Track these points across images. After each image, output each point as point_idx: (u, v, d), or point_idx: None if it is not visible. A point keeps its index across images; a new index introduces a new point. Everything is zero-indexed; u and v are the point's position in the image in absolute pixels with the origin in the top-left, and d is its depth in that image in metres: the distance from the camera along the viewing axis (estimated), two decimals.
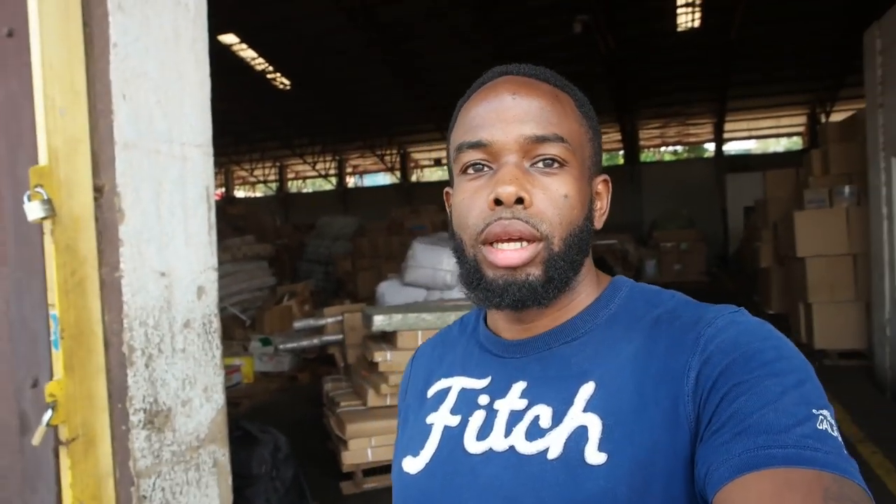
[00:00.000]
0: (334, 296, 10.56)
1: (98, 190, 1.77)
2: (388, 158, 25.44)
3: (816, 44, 17.10)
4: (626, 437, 0.63)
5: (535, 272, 0.68)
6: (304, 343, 5.71)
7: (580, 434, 0.65)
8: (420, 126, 22.38)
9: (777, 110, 22.96)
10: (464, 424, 0.73)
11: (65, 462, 1.64)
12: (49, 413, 1.58)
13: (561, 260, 0.69)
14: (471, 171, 0.71)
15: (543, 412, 0.68)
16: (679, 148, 26.77)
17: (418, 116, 21.00)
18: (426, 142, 24.85)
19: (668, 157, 26.60)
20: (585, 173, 0.73)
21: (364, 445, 3.85)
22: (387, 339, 4.25)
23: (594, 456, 0.63)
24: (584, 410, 0.66)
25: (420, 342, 4.10)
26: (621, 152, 25.64)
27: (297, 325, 5.75)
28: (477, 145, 0.70)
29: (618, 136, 24.83)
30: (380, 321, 4.08)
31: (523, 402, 0.70)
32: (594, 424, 0.65)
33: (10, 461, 1.77)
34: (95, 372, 1.71)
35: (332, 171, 26.98)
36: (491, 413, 0.72)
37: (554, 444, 0.65)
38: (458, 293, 6.37)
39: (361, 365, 4.45)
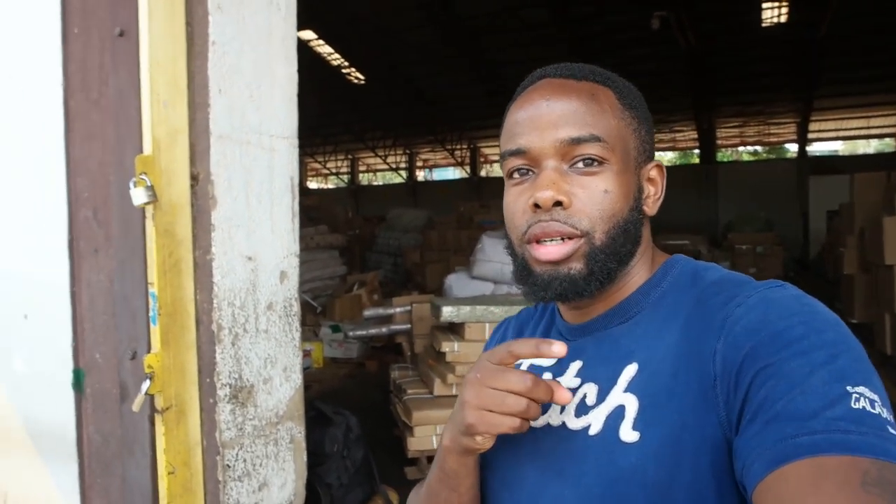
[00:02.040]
0: (402, 287, 10.73)
1: (194, 178, 1.90)
2: (458, 153, 25.57)
3: None
4: (658, 417, 0.65)
5: (577, 266, 0.71)
6: (373, 331, 5.86)
7: (618, 413, 0.68)
8: (491, 121, 22.37)
9: (867, 110, 21.75)
10: None
11: (159, 429, 1.78)
12: (147, 383, 1.72)
13: (603, 253, 0.71)
14: (516, 175, 0.76)
15: (590, 390, 0.73)
16: (759, 148, 25.76)
17: (489, 112, 21.00)
18: (496, 137, 24.56)
19: (746, 157, 25.64)
20: (630, 164, 0.74)
21: (429, 433, 3.93)
22: (454, 330, 4.32)
23: (628, 434, 0.66)
24: (626, 390, 0.69)
25: (487, 335, 4.16)
26: (697, 151, 24.91)
27: (367, 313, 5.90)
28: (517, 153, 0.74)
29: (694, 135, 24.13)
30: (448, 312, 4.15)
31: (577, 381, 0.75)
32: (631, 404, 0.68)
33: (110, 427, 1.93)
34: (188, 347, 1.84)
35: (402, 165, 27.35)
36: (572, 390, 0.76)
37: (595, 421, 0.70)
38: None
39: (428, 354, 4.53)
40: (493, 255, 6.42)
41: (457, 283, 6.73)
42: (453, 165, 26.90)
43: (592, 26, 15.14)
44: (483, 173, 26.96)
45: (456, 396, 3.41)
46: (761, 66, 18.23)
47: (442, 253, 10.70)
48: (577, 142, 0.71)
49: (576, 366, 0.76)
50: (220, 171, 1.93)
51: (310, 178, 30.72)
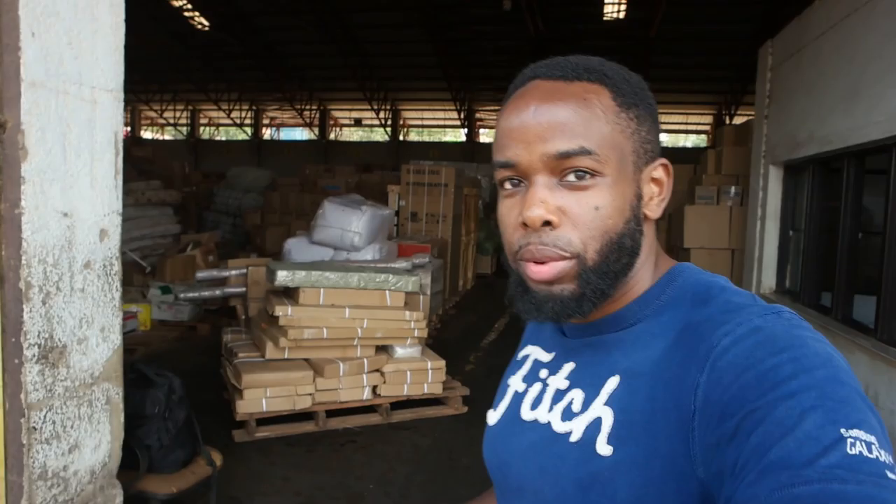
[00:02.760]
0: (241, 249, 10.41)
1: (1, 126, 1.78)
2: (306, 114, 24.91)
3: (728, 49, 18.05)
4: (631, 437, 0.64)
5: (569, 287, 0.68)
6: (206, 294, 5.69)
7: (596, 424, 0.67)
8: (343, 84, 22.04)
9: (688, 107, 24.11)
10: (524, 393, 0.81)
11: None
12: None
13: (594, 273, 0.68)
14: (507, 185, 0.72)
15: (577, 396, 0.72)
16: None
17: (342, 74, 20.67)
18: (348, 100, 24.52)
19: None
20: (627, 171, 0.69)
21: (259, 395, 3.95)
22: (289, 294, 4.35)
23: (603, 447, 0.66)
24: (605, 403, 0.68)
25: (322, 300, 4.23)
26: None
27: (200, 275, 5.71)
28: (506, 165, 0.70)
29: None
30: (283, 276, 4.16)
31: (566, 383, 0.75)
32: (608, 418, 0.67)
33: None
34: None
35: (247, 121, 26.15)
36: (544, 387, 0.78)
37: (577, 428, 0.69)
38: (364, 255, 6.50)
39: (262, 318, 4.52)
40: (333, 221, 6.44)
41: (296, 247, 6.69)
42: (301, 126, 26.20)
43: None
44: (332, 136, 26.54)
45: (288, 360, 3.49)
46: (602, 56, 19.45)
47: (284, 216, 10.50)
48: (565, 156, 0.66)
49: (569, 367, 0.76)
50: (31, 120, 1.82)
51: (143, 128, 28.48)
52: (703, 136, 25.81)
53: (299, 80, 22.10)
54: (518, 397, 0.81)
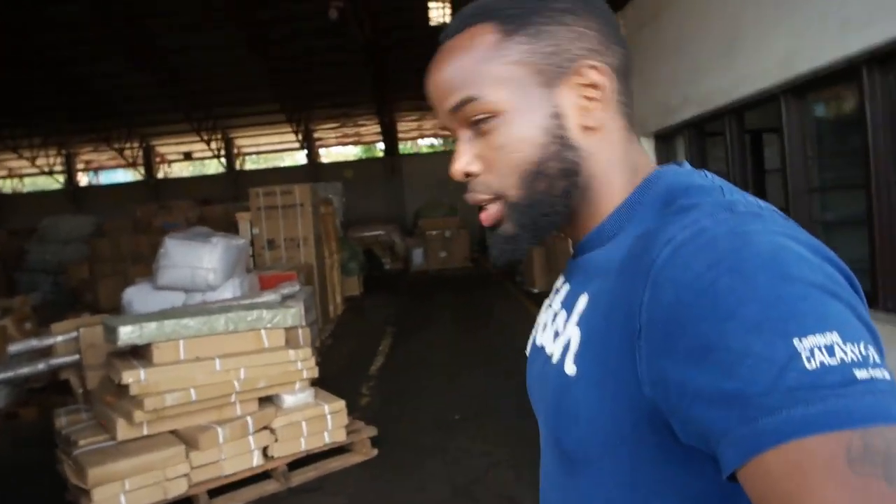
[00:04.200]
0: (70, 309, 8.91)
1: None
2: (128, 153, 22.68)
3: None
4: (590, 356, 0.64)
5: (507, 226, 0.70)
6: (26, 370, 4.56)
7: (567, 345, 0.68)
8: (166, 116, 20.28)
9: None
10: (541, 320, 0.81)
11: None
12: None
13: (522, 207, 0.69)
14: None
15: (561, 319, 0.72)
16: (435, 141, 27.78)
17: (163, 105, 18.99)
18: (174, 133, 22.65)
19: (425, 150, 27.44)
20: (528, 98, 0.67)
21: (116, 491, 3.05)
22: (139, 354, 3.47)
23: (570, 367, 0.66)
24: (576, 323, 0.68)
25: (183, 354, 3.40)
26: (381, 145, 25.89)
27: (14, 348, 4.56)
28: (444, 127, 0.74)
29: (377, 129, 25.01)
30: (128, 333, 3.29)
31: (559, 306, 0.74)
32: (575, 338, 0.67)
33: None
34: None
35: (58, 168, 23.36)
36: (549, 312, 0.77)
37: (556, 350, 0.70)
38: (223, 293, 5.63)
39: (106, 389, 3.59)
40: (180, 260, 5.52)
41: (139, 297, 5.66)
42: (124, 167, 23.84)
43: (269, 13, 14.47)
44: (161, 175, 24.45)
45: (148, 438, 2.65)
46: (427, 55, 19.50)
47: (117, 264, 9.15)
48: (456, 109, 0.69)
49: (565, 289, 0.75)
50: None
51: None
52: None
53: (114, 116, 20.03)
54: (537, 325, 0.81)
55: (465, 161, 0.70)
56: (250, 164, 26.20)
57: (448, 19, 16.14)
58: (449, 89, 0.69)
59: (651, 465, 0.59)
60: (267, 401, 3.71)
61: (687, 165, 0.70)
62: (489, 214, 0.70)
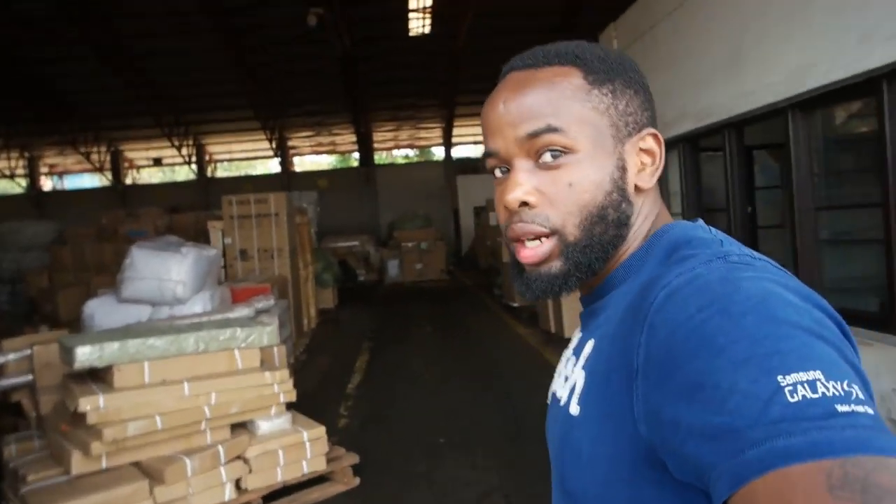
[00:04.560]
0: (27, 322, 8.45)
1: None
2: (95, 157, 22.03)
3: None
4: (592, 397, 0.66)
5: (556, 264, 0.70)
6: None
7: (573, 388, 0.70)
8: (135, 121, 19.76)
9: None
10: (558, 369, 0.82)
11: None
12: None
13: (578, 247, 0.70)
14: (497, 173, 0.75)
15: (571, 364, 0.75)
16: (410, 152, 27.58)
17: (133, 109, 18.48)
18: (143, 138, 22.10)
19: (400, 161, 27.22)
20: (603, 147, 0.70)
21: None
22: (98, 377, 3.16)
23: (574, 408, 0.68)
24: (582, 367, 0.70)
25: (148, 377, 3.10)
26: (356, 154, 25.60)
27: None
28: (490, 155, 0.74)
29: (353, 138, 24.73)
30: (86, 354, 2.98)
31: (571, 352, 0.77)
32: (580, 381, 0.69)
33: None
34: None
35: (20, 171, 22.59)
36: (564, 361, 0.80)
37: (565, 394, 0.73)
38: (192, 307, 5.31)
39: (61, 416, 3.26)
40: (147, 271, 5.19)
41: (101, 310, 5.32)
42: (90, 171, 23.16)
43: (247, 18, 14.14)
44: (128, 180, 23.82)
45: (108, 472, 2.36)
46: (411, 73, 19.31)
47: (80, 273, 8.71)
48: (534, 136, 0.69)
49: (577, 336, 0.78)
50: None
51: None
52: None
53: (81, 119, 19.43)
54: (556, 377, 0.82)
55: (524, 190, 0.69)
56: (222, 172, 25.69)
57: (428, 30, 16.01)
58: (530, 114, 0.69)
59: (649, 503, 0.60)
60: (240, 427, 3.43)
61: (700, 222, 0.72)
62: (536, 252, 0.70)
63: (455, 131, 24.87)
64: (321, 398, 5.74)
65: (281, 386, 3.43)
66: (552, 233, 0.69)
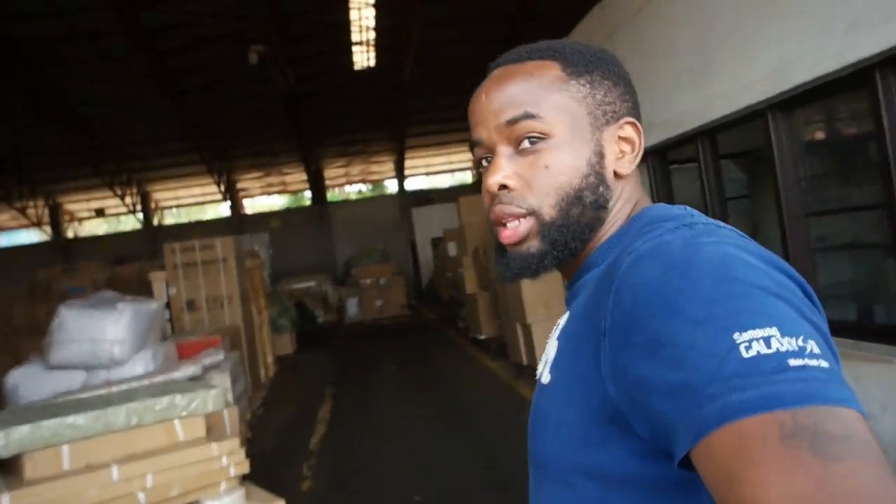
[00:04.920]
0: None
1: None
2: (32, 211, 21.02)
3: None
4: (562, 364, 0.69)
5: (534, 244, 0.73)
6: None
7: (547, 359, 0.74)
8: (74, 171, 18.96)
9: (449, 147, 24.71)
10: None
11: None
12: None
13: (555, 227, 0.72)
14: (483, 163, 0.78)
15: (552, 343, 0.76)
16: (363, 187, 27.23)
17: (71, 159, 17.71)
18: (83, 189, 21.22)
19: (353, 196, 26.84)
20: (580, 133, 0.73)
21: None
22: (6, 468, 2.66)
23: (545, 377, 0.72)
24: (557, 338, 0.74)
25: (68, 463, 2.62)
26: (308, 193, 25.12)
27: None
28: (476, 143, 0.78)
29: (303, 177, 24.27)
30: None
31: (556, 333, 0.78)
32: (553, 351, 0.73)
33: None
34: None
35: None
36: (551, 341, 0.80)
37: (542, 366, 0.76)
38: (133, 369, 4.79)
39: None
40: (78, 333, 4.66)
41: (27, 379, 4.76)
42: (27, 227, 22.07)
43: (184, 59, 13.68)
44: (70, 233, 22.80)
45: None
46: (359, 106, 19.06)
47: (9, 338, 8.02)
48: (512, 122, 0.73)
49: (562, 318, 0.79)
50: None
51: None
52: (466, 174, 26.61)
53: (15, 172, 18.52)
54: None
55: (503, 174, 0.73)
56: (170, 219, 24.86)
57: (373, 63, 15.80)
58: (510, 103, 0.73)
59: (617, 464, 0.61)
60: None
61: (688, 209, 0.72)
62: (514, 232, 0.73)
63: (407, 163, 24.65)
64: (281, 457, 5.25)
65: (231, 457, 2.98)
66: (529, 213, 0.72)
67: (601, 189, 0.73)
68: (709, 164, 3.84)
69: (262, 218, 23.69)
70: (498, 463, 4.42)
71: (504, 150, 0.74)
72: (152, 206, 23.53)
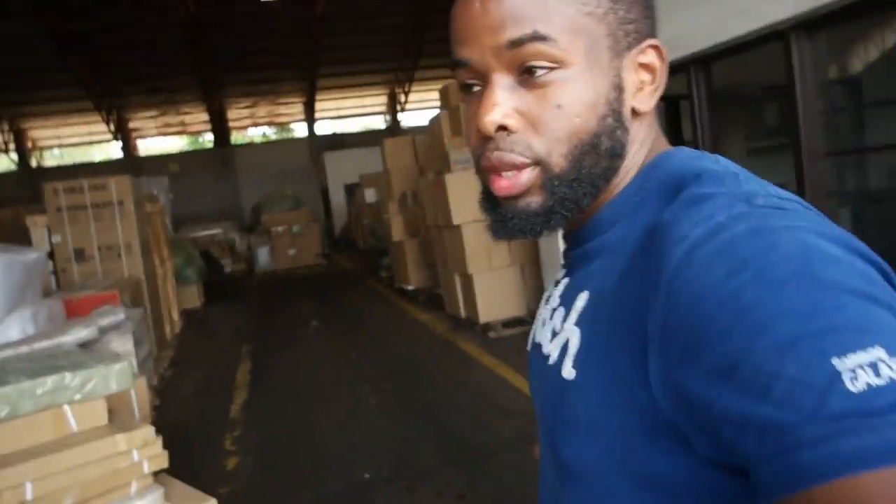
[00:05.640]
0: None
1: None
2: None
3: (397, 24, 17.68)
4: (593, 360, 0.58)
5: (536, 199, 0.60)
6: None
7: (566, 346, 0.62)
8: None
9: (361, 90, 23.60)
10: (540, 315, 0.74)
11: None
12: None
13: (563, 180, 0.59)
14: (474, 89, 0.62)
15: (559, 316, 0.66)
16: (269, 131, 25.72)
17: None
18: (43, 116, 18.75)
19: (258, 140, 25.33)
20: (598, 61, 0.58)
21: None
22: None
23: (568, 370, 0.61)
24: (575, 322, 0.62)
25: None
26: (210, 136, 23.44)
27: None
28: (460, 64, 0.61)
29: (205, 117, 22.55)
30: None
31: (558, 301, 0.68)
32: (574, 339, 0.61)
33: None
34: None
35: None
36: (547, 309, 0.70)
37: (554, 350, 0.65)
38: (7, 332, 3.93)
39: None
40: None
41: None
42: None
43: None
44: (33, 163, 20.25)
45: None
46: (267, 43, 17.66)
47: None
48: (517, 44, 0.56)
49: (564, 283, 0.68)
50: None
51: None
52: (378, 118, 25.53)
53: None
54: (536, 320, 0.75)
55: (502, 112, 0.58)
56: (51, 160, 22.52)
57: None
58: (513, 17, 0.56)
59: (668, 472, 0.53)
60: None
61: (720, 160, 0.60)
62: (512, 183, 0.59)
63: (317, 105, 23.35)
64: (199, 429, 4.56)
65: (144, 450, 2.30)
66: (535, 163, 0.59)
67: (618, 133, 0.60)
68: (702, 98, 3.39)
69: (159, 161, 21.90)
70: (454, 433, 3.95)
71: (502, 80, 0.58)
72: (29, 144, 21.19)
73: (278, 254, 15.17)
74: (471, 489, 3.20)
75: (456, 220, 5.89)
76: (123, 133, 21.96)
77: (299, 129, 24.92)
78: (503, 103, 0.58)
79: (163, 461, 2.39)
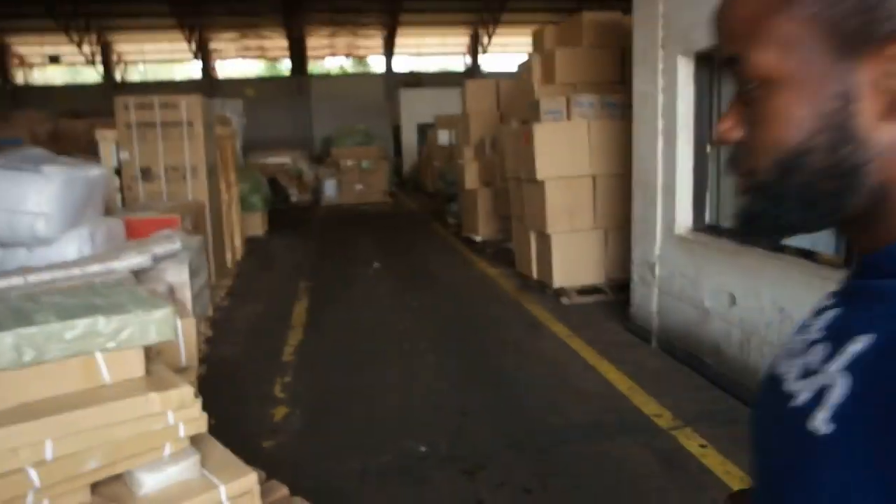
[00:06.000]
0: None
1: None
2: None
3: None
4: (867, 424, 0.45)
5: (747, 203, 0.57)
6: None
7: (823, 391, 0.49)
8: (26, 10, 16.84)
9: (444, 28, 22.82)
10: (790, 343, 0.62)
11: None
12: None
13: (769, 195, 0.54)
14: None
15: (819, 352, 0.52)
16: (346, 62, 25.31)
17: None
18: (35, 31, 19.08)
19: (334, 72, 25.00)
20: (812, 69, 0.49)
21: None
22: None
23: (822, 424, 0.47)
24: (846, 367, 0.48)
25: None
26: (287, 63, 23.22)
27: None
28: (729, 61, 0.56)
29: (284, 44, 22.29)
30: None
31: (822, 334, 0.54)
32: (840, 388, 0.48)
33: None
34: None
35: None
36: (799, 338, 0.58)
37: (803, 392, 0.51)
38: (63, 250, 3.76)
39: None
40: None
41: None
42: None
43: None
44: (19, 79, 20.80)
45: None
46: None
47: None
48: (726, 65, 0.55)
49: (833, 313, 0.55)
50: None
51: None
52: (457, 58, 24.72)
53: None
54: (784, 348, 0.61)
55: (726, 126, 0.57)
56: (135, 76, 22.82)
57: None
58: (729, 34, 0.54)
59: None
60: (117, 480, 2.02)
61: None
62: (741, 182, 0.57)
63: (398, 40, 22.74)
64: (249, 370, 4.36)
65: (180, 413, 2.01)
66: (747, 172, 0.56)
67: (843, 149, 0.50)
68: None
69: (236, 84, 21.88)
70: (520, 410, 3.59)
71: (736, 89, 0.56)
72: (114, 58, 21.46)
73: (345, 188, 14.96)
74: (539, 483, 2.84)
75: (540, 175, 5.39)
76: (204, 53, 21.97)
77: (376, 64, 24.44)
78: (730, 117, 0.56)
79: (201, 424, 2.10)
